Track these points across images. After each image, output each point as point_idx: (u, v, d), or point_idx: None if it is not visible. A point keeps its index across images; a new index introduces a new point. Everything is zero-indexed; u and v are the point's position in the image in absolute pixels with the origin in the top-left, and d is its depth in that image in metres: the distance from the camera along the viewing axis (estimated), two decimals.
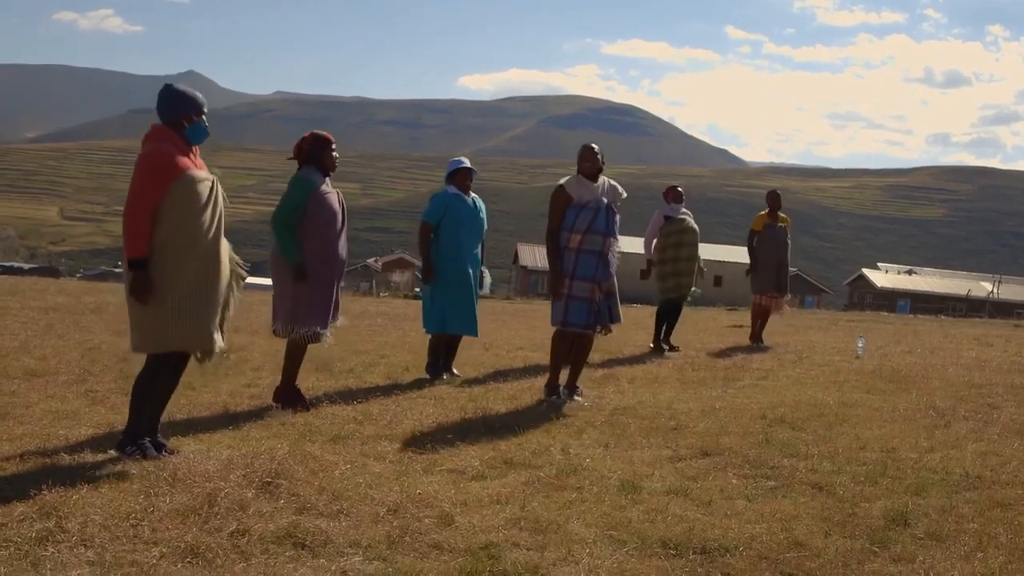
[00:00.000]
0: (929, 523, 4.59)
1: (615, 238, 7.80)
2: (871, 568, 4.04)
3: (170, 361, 5.44)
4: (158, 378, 5.43)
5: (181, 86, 5.50)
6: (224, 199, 5.53)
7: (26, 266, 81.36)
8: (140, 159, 5.27)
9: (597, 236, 7.65)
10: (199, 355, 5.54)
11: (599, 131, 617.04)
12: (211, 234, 5.39)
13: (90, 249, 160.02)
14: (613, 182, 7.92)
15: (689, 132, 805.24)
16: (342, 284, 7.41)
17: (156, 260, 5.21)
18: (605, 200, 7.73)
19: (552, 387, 7.87)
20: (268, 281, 7.34)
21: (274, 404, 7.05)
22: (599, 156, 7.81)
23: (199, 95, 5.51)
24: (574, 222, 7.66)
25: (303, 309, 7.03)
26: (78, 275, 70.26)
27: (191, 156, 5.39)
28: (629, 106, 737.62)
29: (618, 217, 7.88)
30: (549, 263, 7.92)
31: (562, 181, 7.85)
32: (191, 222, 5.27)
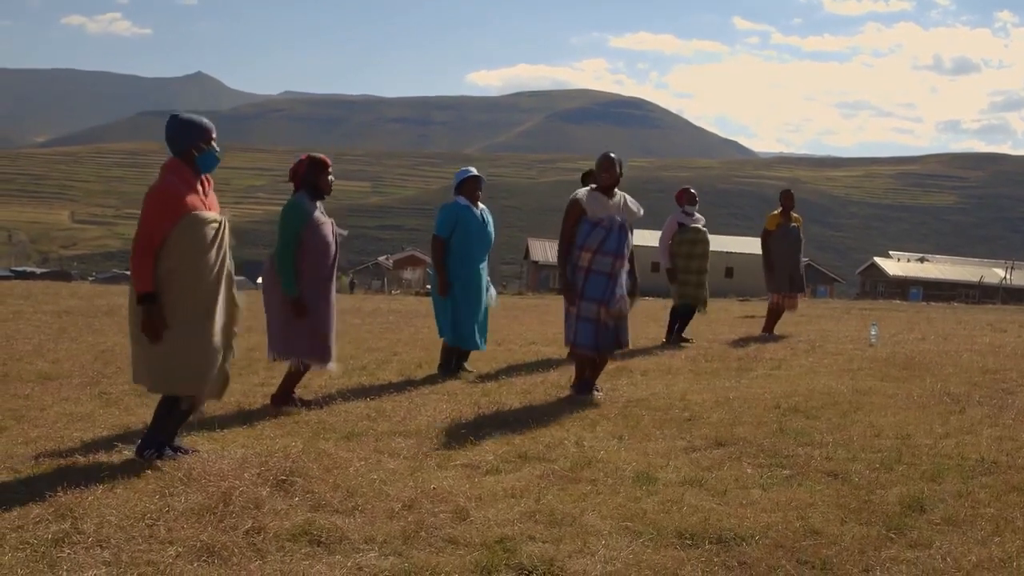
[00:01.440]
0: (945, 509, 4.57)
1: (626, 257, 7.66)
2: (888, 554, 4.03)
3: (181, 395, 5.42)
4: (178, 405, 5.41)
5: (187, 115, 5.43)
6: (230, 241, 5.46)
7: (38, 270, 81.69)
8: (149, 193, 5.23)
9: (608, 257, 7.53)
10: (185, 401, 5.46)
11: (607, 125, 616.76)
12: (212, 274, 5.33)
13: (102, 252, 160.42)
14: (629, 198, 7.80)
15: (698, 124, 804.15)
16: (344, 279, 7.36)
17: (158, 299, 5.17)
18: (619, 219, 7.60)
19: (580, 385, 7.80)
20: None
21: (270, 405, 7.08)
22: (618, 167, 7.67)
23: (206, 121, 5.45)
24: (586, 239, 7.55)
25: (295, 341, 6.99)
26: (90, 278, 70.55)
27: (202, 190, 5.35)
28: (637, 99, 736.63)
29: (631, 236, 7.77)
30: (559, 273, 7.91)
31: (578, 194, 7.73)
32: (193, 262, 5.23)
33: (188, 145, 5.31)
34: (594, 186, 7.75)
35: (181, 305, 5.21)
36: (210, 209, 5.36)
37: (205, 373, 5.34)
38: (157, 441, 5.31)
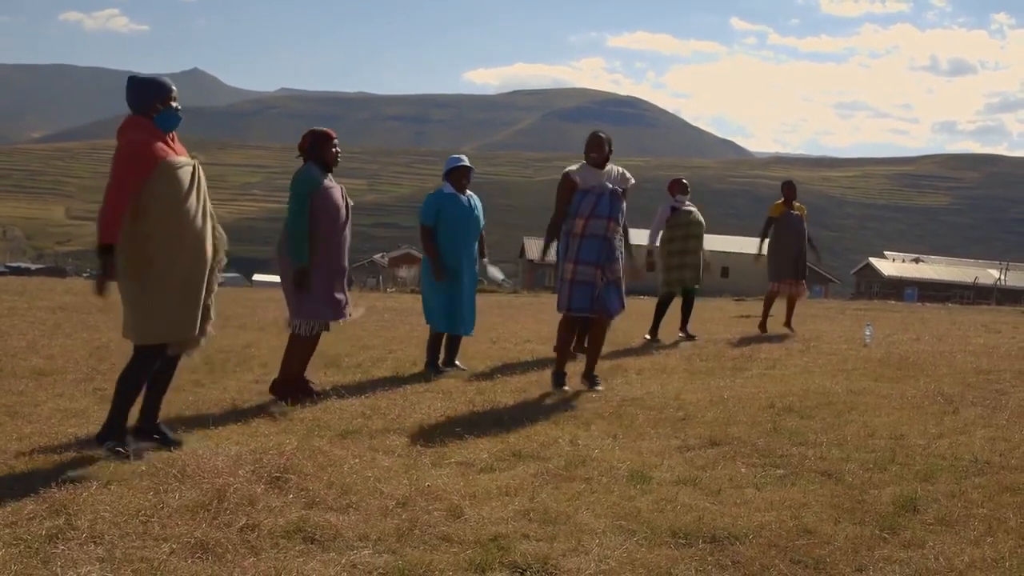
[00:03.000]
0: (938, 509, 4.59)
1: (619, 222, 7.77)
2: (881, 554, 4.04)
3: (158, 356, 5.43)
4: (143, 372, 5.40)
5: (145, 75, 5.44)
6: (205, 182, 5.50)
7: (33, 266, 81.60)
8: (117, 151, 5.22)
9: (601, 220, 7.65)
10: (181, 346, 5.53)
11: (604, 123, 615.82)
12: (198, 221, 5.36)
13: (97, 249, 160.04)
14: (622, 169, 7.90)
15: (695, 123, 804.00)
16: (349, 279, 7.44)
17: (145, 252, 5.17)
18: (610, 185, 7.71)
19: (559, 377, 7.88)
20: (275, 278, 7.35)
21: (271, 396, 7.08)
22: (606, 145, 7.79)
23: (167, 80, 5.44)
24: (579, 207, 7.67)
25: (311, 303, 7.05)
26: (84, 274, 70.42)
27: (168, 143, 5.34)
28: (633, 98, 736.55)
29: (624, 204, 7.84)
30: (545, 243, 8.13)
31: (569, 168, 7.86)
32: (176, 210, 5.24)
33: (147, 104, 5.31)
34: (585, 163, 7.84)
35: (172, 253, 5.23)
36: (181, 155, 5.37)
37: (194, 318, 5.39)
38: (118, 429, 5.29)
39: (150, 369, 5.42)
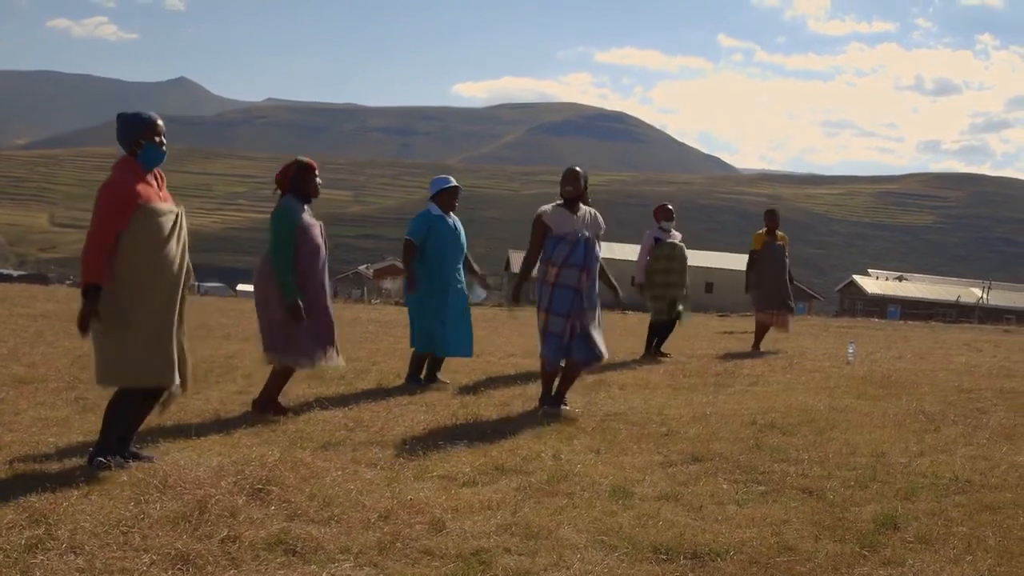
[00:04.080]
0: (919, 527, 4.60)
1: (592, 272, 7.60)
2: (861, 572, 4.05)
3: (139, 393, 5.40)
4: (128, 406, 5.37)
5: (133, 110, 5.42)
6: (186, 230, 5.47)
7: (15, 273, 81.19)
8: (101, 188, 5.21)
9: (573, 270, 7.50)
10: (158, 393, 5.48)
11: (590, 138, 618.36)
12: (175, 267, 5.33)
13: (80, 256, 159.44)
14: (595, 212, 7.76)
15: (681, 139, 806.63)
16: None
17: (119, 293, 5.14)
18: (585, 233, 7.57)
19: (545, 399, 7.81)
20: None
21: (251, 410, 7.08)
22: (582, 180, 7.67)
23: (152, 115, 5.42)
24: (551, 254, 7.55)
25: (295, 341, 6.99)
26: (68, 282, 70.08)
27: (154, 185, 5.32)
28: (620, 113, 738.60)
29: (599, 249, 7.73)
30: (515, 285, 8.18)
31: (542, 209, 7.76)
32: (154, 255, 5.22)
33: (131, 140, 5.31)
34: (560, 201, 7.73)
35: (145, 298, 5.20)
36: (165, 202, 5.35)
37: (171, 362, 5.34)
38: (108, 448, 5.27)
39: (135, 404, 5.39)
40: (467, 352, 9.06)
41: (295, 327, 6.90)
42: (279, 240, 6.90)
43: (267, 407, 7.05)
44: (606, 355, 7.80)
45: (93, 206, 5.21)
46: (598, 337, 7.65)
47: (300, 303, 6.85)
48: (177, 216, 5.37)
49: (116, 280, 5.15)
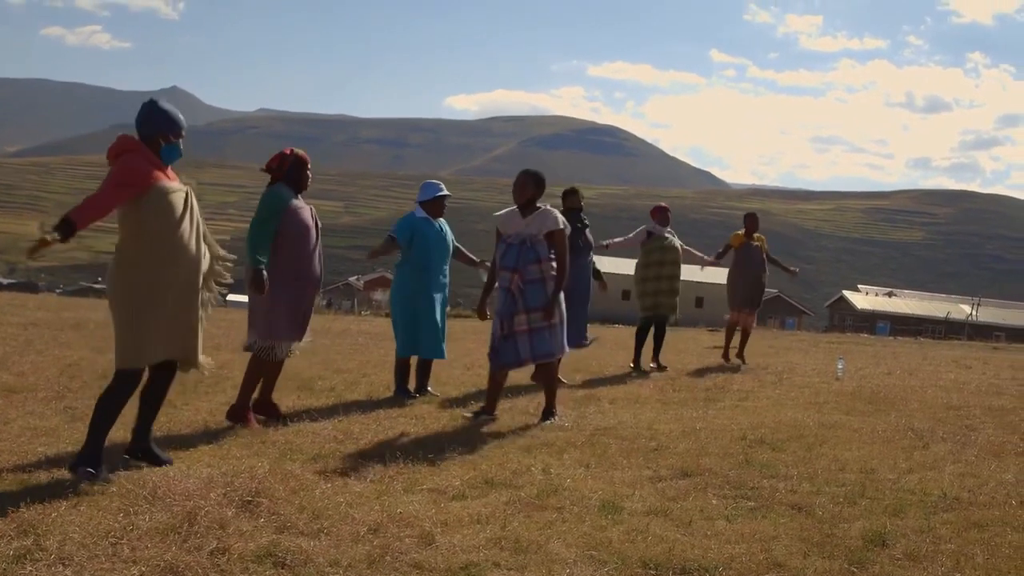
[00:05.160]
0: (907, 544, 4.61)
1: (524, 273, 7.55)
2: None
3: (137, 381, 5.43)
4: (122, 397, 5.39)
5: (166, 104, 5.51)
6: (198, 206, 5.56)
7: (5, 281, 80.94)
8: (116, 165, 5.27)
9: (505, 272, 7.59)
10: (182, 364, 5.61)
11: (581, 151, 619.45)
12: (192, 246, 5.42)
13: (70, 265, 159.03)
14: (550, 211, 7.72)
15: (672, 154, 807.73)
16: (320, 301, 7.47)
17: (139, 273, 5.25)
18: (525, 235, 7.59)
19: (484, 409, 7.89)
20: (246, 298, 7.32)
21: (227, 422, 7.06)
22: (530, 185, 7.69)
23: (181, 117, 5.53)
24: (495, 256, 7.74)
25: (278, 323, 7.05)
26: (57, 290, 69.90)
27: (164, 170, 5.41)
28: (612, 127, 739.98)
29: (545, 249, 7.63)
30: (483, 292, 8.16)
31: (498, 213, 7.89)
32: (170, 236, 5.30)
33: (157, 133, 5.38)
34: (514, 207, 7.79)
35: (167, 278, 5.30)
36: (174, 181, 5.44)
37: (191, 339, 5.49)
38: (95, 457, 5.25)
39: (128, 394, 5.41)
40: (440, 354, 9.01)
41: (279, 310, 6.99)
42: (258, 219, 6.99)
43: (240, 415, 7.04)
44: (547, 357, 7.74)
45: (104, 180, 5.25)
46: (535, 339, 7.62)
47: (264, 273, 6.88)
48: (187, 194, 5.45)
49: (135, 261, 5.25)
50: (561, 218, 7.72)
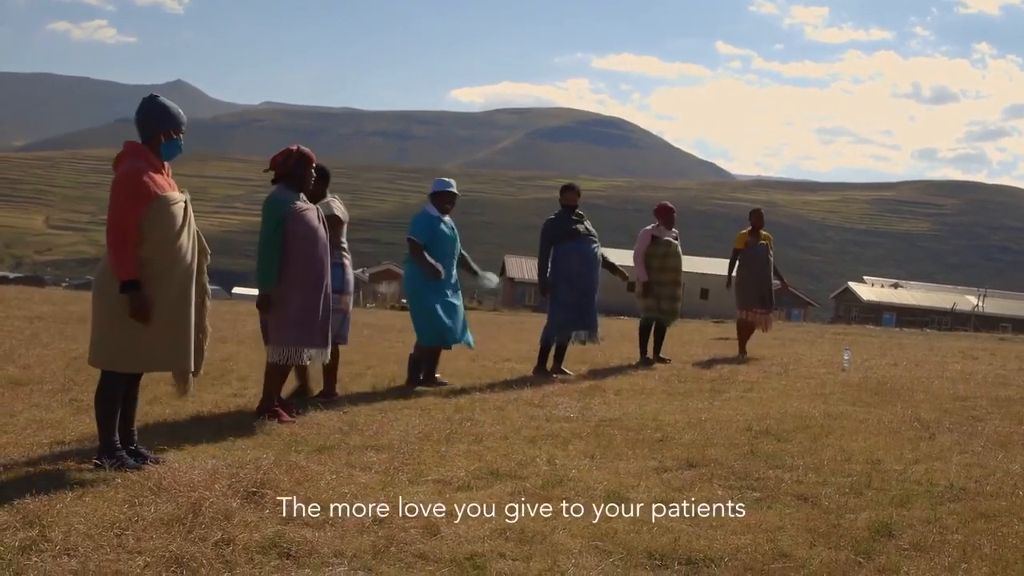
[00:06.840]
0: (913, 534, 4.60)
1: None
2: None
3: (124, 380, 5.42)
4: (113, 392, 5.38)
5: (166, 100, 5.49)
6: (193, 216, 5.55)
7: (11, 275, 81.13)
8: (116, 180, 5.27)
9: None
10: (176, 378, 5.59)
11: (587, 143, 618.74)
12: (188, 256, 5.41)
13: (76, 258, 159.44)
14: (330, 199, 7.97)
15: (677, 145, 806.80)
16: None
17: (140, 284, 5.21)
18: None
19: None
20: (255, 291, 7.32)
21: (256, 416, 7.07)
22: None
23: (181, 113, 5.52)
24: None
25: (293, 330, 6.98)
26: (63, 284, 70.04)
27: (164, 174, 5.40)
28: (617, 119, 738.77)
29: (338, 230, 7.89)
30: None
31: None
32: (170, 245, 5.29)
33: (158, 129, 5.37)
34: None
35: (164, 289, 5.28)
36: (174, 190, 5.42)
37: (185, 349, 5.44)
38: (111, 446, 5.28)
39: (116, 386, 5.38)
40: (460, 339, 9.27)
41: (291, 316, 6.94)
42: (263, 238, 6.95)
43: (268, 410, 7.03)
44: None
45: (111, 196, 5.26)
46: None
47: (269, 298, 6.89)
48: (186, 204, 5.46)
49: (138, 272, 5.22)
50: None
